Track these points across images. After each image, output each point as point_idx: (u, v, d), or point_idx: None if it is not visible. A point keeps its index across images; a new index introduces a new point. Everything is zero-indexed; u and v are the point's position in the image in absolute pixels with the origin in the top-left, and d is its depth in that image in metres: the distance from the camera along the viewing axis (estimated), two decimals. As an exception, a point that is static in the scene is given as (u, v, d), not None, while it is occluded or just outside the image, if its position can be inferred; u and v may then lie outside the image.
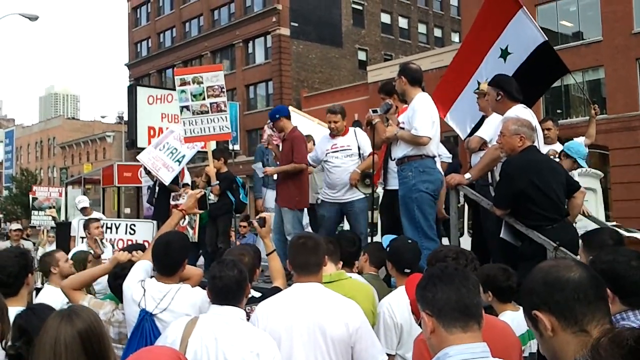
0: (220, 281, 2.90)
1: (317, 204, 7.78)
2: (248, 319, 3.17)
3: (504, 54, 6.33)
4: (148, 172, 8.92)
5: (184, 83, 7.83)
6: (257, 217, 4.30)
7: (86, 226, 7.40)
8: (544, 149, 6.00)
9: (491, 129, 5.46)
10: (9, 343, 2.53)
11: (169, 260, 3.54)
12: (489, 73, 6.19)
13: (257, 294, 3.68)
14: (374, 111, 5.81)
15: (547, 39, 6.26)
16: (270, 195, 7.99)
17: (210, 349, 2.77)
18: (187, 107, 7.84)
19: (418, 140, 5.25)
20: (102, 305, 3.78)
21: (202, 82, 7.75)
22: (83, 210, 10.46)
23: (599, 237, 3.66)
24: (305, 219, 7.49)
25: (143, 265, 3.63)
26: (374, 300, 3.64)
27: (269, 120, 7.41)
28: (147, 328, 3.27)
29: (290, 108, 10.71)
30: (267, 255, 4.13)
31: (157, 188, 8.52)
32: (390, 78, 6.82)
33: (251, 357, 2.72)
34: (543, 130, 6.64)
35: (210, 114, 7.79)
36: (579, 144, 6.57)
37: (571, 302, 1.57)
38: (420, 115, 5.27)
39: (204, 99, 7.76)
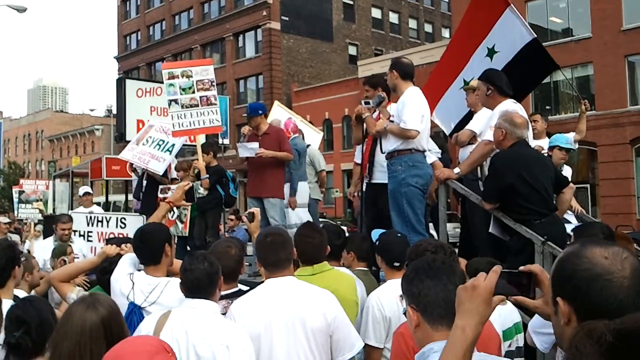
0: (191, 274, 2.89)
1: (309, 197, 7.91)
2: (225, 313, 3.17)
3: (491, 52, 6.36)
4: (134, 170, 8.90)
5: (172, 77, 7.81)
6: (247, 212, 4.29)
7: (56, 222, 7.27)
8: (532, 144, 6.06)
9: (481, 122, 5.48)
10: (0, 329, 2.53)
11: (146, 248, 3.52)
12: (475, 72, 6.22)
13: (245, 288, 3.66)
14: (367, 103, 5.78)
15: (535, 36, 6.28)
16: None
17: (180, 343, 2.75)
18: (175, 101, 7.81)
19: (406, 133, 5.25)
20: None
21: (191, 76, 7.74)
22: (84, 196, 10.40)
23: (590, 231, 3.68)
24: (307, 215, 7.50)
25: (130, 258, 3.61)
26: (356, 291, 3.63)
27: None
28: (135, 321, 3.25)
29: (277, 104, 10.72)
30: None
31: (144, 182, 8.49)
32: (381, 73, 6.82)
33: (221, 349, 2.71)
34: (530, 122, 6.71)
35: (200, 107, 7.77)
36: (560, 135, 6.65)
37: (604, 319, 1.38)
38: (410, 108, 5.26)
39: (193, 92, 7.75)
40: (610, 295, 1.40)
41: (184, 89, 7.76)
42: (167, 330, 2.78)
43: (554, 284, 1.53)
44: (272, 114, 10.06)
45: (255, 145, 6.86)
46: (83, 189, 10.83)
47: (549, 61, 6.37)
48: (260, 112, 7.18)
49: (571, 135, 7.18)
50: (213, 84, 7.84)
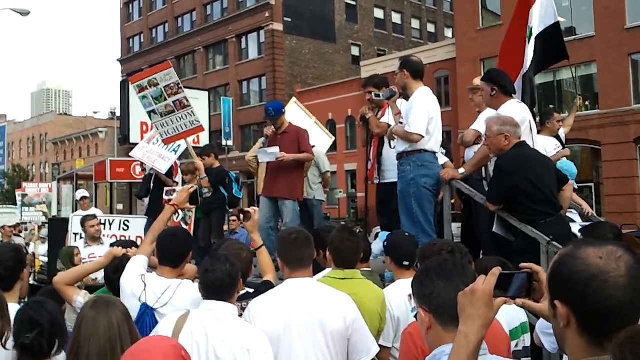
0: (213, 274, 2.88)
1: (313, 198, 7.84)
2: (241, 315, 3.16)
3: (530, 34, 6.24)
4: (144, 169, 8.93)
5: (142, 89, 7.62)
6: (244, 210, 4.27)
7: (83, 223, 7.39)
8: (548, 141, 6.10)
9: None
10: (7, 335, 2.55)
11: (174, 251, 3.55)
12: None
13: (251, 290, 3.66)
14: (377, 95, 5.73)
15: (558, 19, 6.21)
16: None
17: (200, 345, 2.74)
18: (153, 112, 7.66)
19: (410, 137, 5.22)
20: None
21: (158, 84, 7.57)
22: (81, 200, 10.43)
23: (599, 231, 3.65)
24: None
25: (140, 261, 3.62)
26: (384, 304, 3.55)
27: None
28: (147, 322, 3.27)
29: (294, 100, 10.65)
30: (256, 250, 4.01)
31: (152, 184, 8.51)
32: (385, 73, 6.74)
33: (242, 352, 2.71)
34: (558, 121, 6.65)
35: (177, 112, 7.66)
36: (569, 163, 6.52)
37: (603, 320, 1.40)
38: (417, 112, 5.23)
39: (165, 99, 7.61)
40: (607, 295, 1.39)
41: (156, 98, 7.59)
42: (186, 332, 2.77)
43: (550, 286, 1.52)
44: (289, 112, 9.99)
45: (276, 149, 6.66)
46: (80, 193, 10.85)
47: (562, 50, 6.31)
48: (283, 111, 7.06)
49: (561, 132, 7.17)
50: (180, 86, 7.68)
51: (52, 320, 2.57)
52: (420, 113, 5.22)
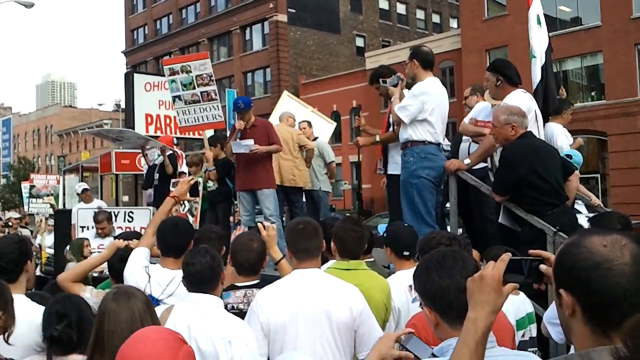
0: (193, 267, 2.90)
1: (319, 190, 7.88)
2: (248, 304, 3.16)
3: (539, 20, 6.22)
4: (144, 155, 8.95)
5: (173, 72, 7.75)
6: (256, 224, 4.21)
7: (95, 219, 7.38)
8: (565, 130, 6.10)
9: None
10: (11, 330, 2.56)
11: (176, 241, 3.56)
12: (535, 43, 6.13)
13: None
14: (384, 82, 5.73)
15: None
16: None
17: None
18: (179, 97, 7.77)
19: (393, 112, 5.37)
20: (104, 294, 3.77)
21: (190, 71, 7.66)
22: (83, 193, 10.44)
23: (607, 221, 3.63)
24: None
25: (142, 252, 3.62)
26: (389, 295, 3.53)
27: None
28: None
29: (286, 93, 10.68)
30: (276, 264, 3.79)
31: (156, 175, 8.52)
32: (389, 64, 6.71)
33: (223, 344, 2.72)
34: (571, 114, 6.63)
35: (202, 103, 7.73)
36: (578, 154, 6.46)
37: (608, 308, 1.38)
38: (410, 100, 5.26)
39: (194, 88, 7.70)
40: (612, 283, 1.38)
41: (185, 85, 7.72)
42: (169, 324, 2.79)
43: (556, 275, 1.51)
44: (281, 105, 10.00)
45: (250, 142, 6.85)
46: (80, 186, 10.84)
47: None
48: (251, 105, 7.22)
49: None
50: (212, 78, 7.77)
51: (79, 314, 2.63)
52: (413, 103, 5.23)
